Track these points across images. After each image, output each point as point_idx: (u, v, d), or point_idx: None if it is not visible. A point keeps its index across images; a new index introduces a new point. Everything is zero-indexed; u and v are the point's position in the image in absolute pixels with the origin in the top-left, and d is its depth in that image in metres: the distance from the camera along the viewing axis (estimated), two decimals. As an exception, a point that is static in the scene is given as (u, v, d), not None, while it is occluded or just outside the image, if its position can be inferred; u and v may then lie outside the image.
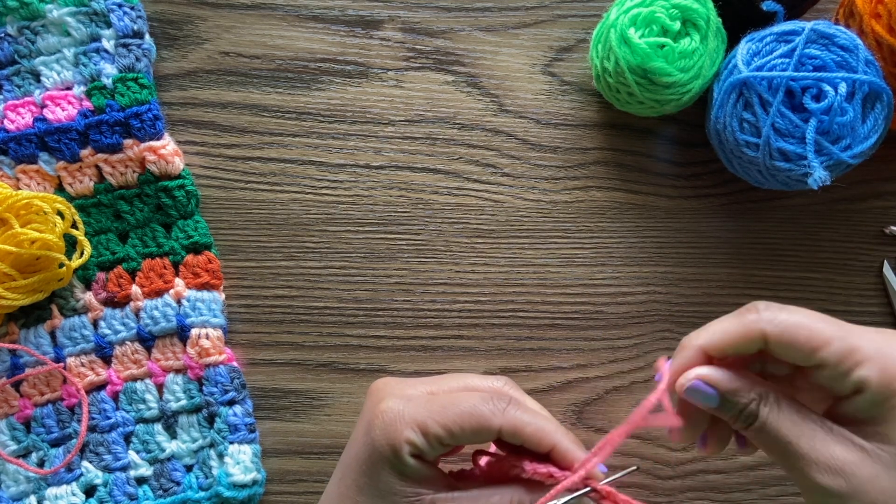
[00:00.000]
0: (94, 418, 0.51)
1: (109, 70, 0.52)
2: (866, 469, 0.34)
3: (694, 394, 0.36)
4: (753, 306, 0.36)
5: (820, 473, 0.34)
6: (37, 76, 0.52)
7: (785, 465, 0.36)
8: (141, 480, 0.51)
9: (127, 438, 0.51)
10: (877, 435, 0.34)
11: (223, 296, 0.52)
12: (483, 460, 0.42)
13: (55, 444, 0.51)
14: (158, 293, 0.52)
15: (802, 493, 0.36)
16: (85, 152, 0.52)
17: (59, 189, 0.52)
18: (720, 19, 0.49)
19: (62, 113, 0.52)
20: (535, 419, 0.39)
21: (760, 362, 0.39)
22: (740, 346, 0.36)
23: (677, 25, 0.48)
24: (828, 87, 0.45)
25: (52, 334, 0.51)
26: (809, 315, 0.36)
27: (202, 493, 0.50)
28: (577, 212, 0.54)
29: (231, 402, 0.51)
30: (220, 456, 0.50)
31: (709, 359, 0.37)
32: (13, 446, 0.50)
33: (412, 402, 0.39)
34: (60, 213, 0.51)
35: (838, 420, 0.36)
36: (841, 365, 0.34)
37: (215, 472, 0.50)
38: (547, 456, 0.39)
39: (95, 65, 0.52)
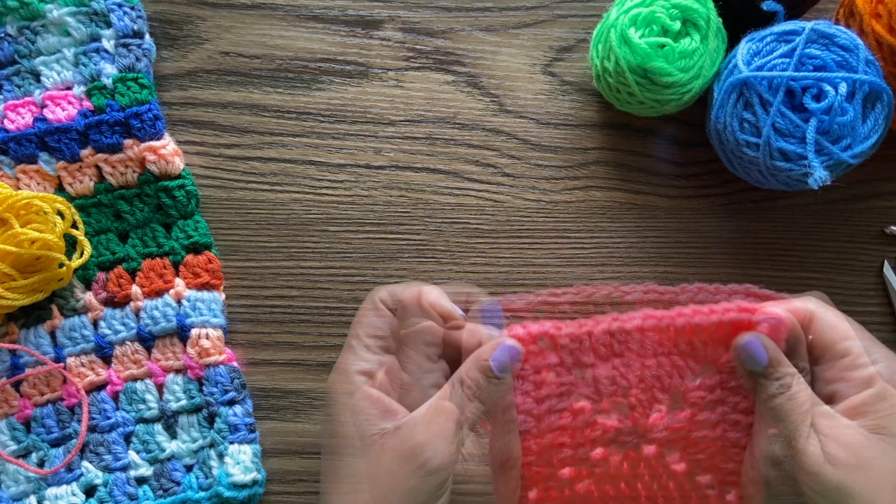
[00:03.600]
0: (94, 418, 0.51)
1: (109, 70, 0.52)
2: (871, 449, 0.39)
3: (750, 348, 0.40)
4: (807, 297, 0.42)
5: (832, 447, 0.38)
6: (37, 76, 0.52)
7: (797, 437, 0.39)
8: (141, 480, 0.51)
9: (127, 438, 0.51)
10: (875, 427, 0.39)
11: (223, 296, 0.52)
12: None
13: (55, 444, 0.51)
14: (158, 293, 0.52)
15: (805, 472, 0.39)
16: (85, 152, 0.52)
17: (59, 189, 0.52)
18: (720, 19, 0.49)
19: (62, 113, 0.52)
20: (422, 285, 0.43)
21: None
22: (793, 323, 0.41)
23: (677, 25, 0.48)
24: (828, 87, 0.45)
25: (52, 334, 0.51)
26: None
27: (202, 493, 0.50)
28: (577, 212, 0.54)
29: (231, 402, 0.51)
30: (221, 456, 0.50)
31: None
32: (13, 446, 0.50)
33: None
34: (60, 213, 0.51)
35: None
36: (861, 357, 0.40)
37: (215, 472, 0.50)
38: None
39: (95, 65, 0.52)
